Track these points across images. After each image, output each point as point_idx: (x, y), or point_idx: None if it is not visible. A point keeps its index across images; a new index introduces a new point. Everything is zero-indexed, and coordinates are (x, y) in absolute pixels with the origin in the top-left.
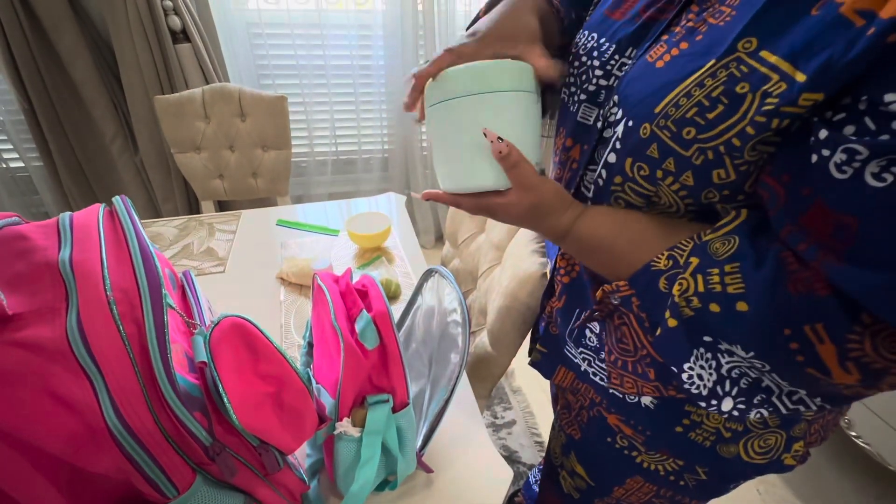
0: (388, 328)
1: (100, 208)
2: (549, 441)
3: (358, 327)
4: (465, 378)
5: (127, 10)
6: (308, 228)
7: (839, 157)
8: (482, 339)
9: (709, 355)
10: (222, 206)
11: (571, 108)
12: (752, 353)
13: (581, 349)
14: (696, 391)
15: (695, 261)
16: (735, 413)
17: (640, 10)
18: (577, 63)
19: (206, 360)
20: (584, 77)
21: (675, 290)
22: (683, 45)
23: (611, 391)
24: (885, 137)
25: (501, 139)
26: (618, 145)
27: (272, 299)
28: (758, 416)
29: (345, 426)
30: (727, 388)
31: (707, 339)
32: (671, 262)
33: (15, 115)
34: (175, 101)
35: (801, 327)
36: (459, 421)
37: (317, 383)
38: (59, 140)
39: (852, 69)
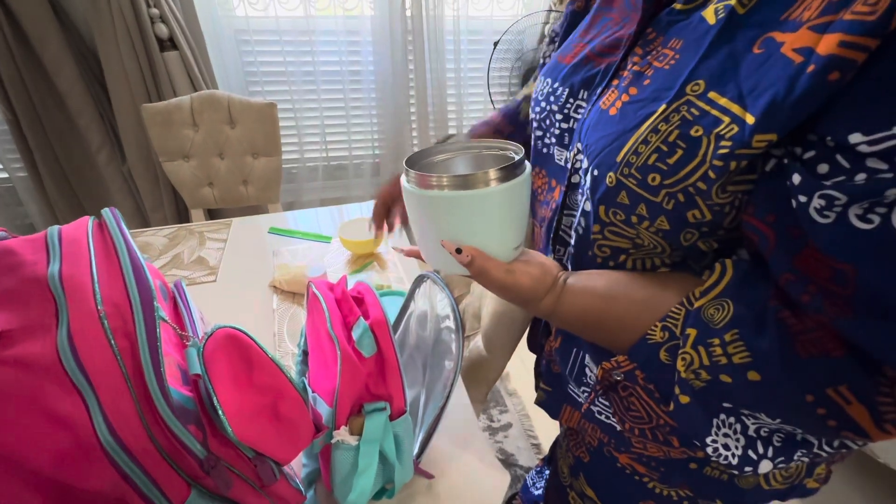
0: (386, 335)
1: (89, 221)
2: (556, 456)
3: (355, 335)
4: (460, 383)
5: (113, 19)
6: (301, 236)
7: (817, 202)
8: (476, 343)
9: (731, 419)
10: (212, 214)
11: (546, 151)
12: (778, 420)
13: (583, 388)
14: (726, 461)
15: (692, 332)
16: (776, 471)
17: (587, 55)
18: (538, 108)
19: (200, 372)
20: (547, 122)
21: (680, 365)
22: (633, 91)
23: (618, 430)
24: (861, 178)
25: (460, 250)
26: (588, 193)
27: (265, 307)
28: (799, 463)
29: (342, 435)
30: (760, 450)
31: (727, 405)
32: (667, 334)
33: None
34: (163, 108)
35: (824, 391)
36: (455, 426)
37: (312, 392)
38: (44, 151)
39: (800, 108)
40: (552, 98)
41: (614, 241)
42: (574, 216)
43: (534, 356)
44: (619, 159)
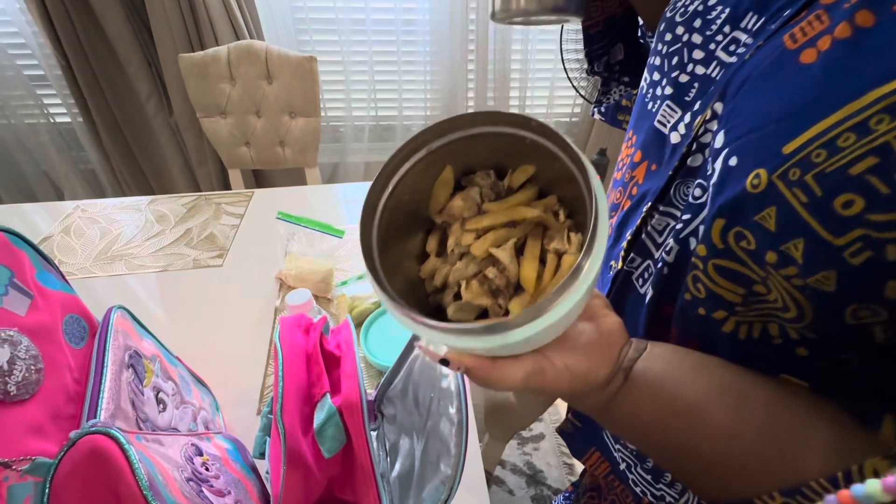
0: (359, 424)
1: None
2: None
3: (317, 419)
4: (473, 435)
5: None
6: (310, 225)
7: None
8: None
9: None
10: (253, 174)
11: (650, 106)
12: None
13: (619, 447)
14: None
15: None
16: None
17: None
18: (668, 36)
19: None
20: (674, 60)
21: None
22: (863, 20)
23: None
24: None
25: (446, 361)
26: (711, 192)
27: (268, 304)
28: None
29: None
30: None
31: None
32: None
33: (57, 70)
34: (199, 60)
35: None
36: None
37: (267, 471)
38: (96, 98)
39: None
40: (697, 21)
41: (717, 284)
42: (676, 218)
43: None
44: (788, 150)
